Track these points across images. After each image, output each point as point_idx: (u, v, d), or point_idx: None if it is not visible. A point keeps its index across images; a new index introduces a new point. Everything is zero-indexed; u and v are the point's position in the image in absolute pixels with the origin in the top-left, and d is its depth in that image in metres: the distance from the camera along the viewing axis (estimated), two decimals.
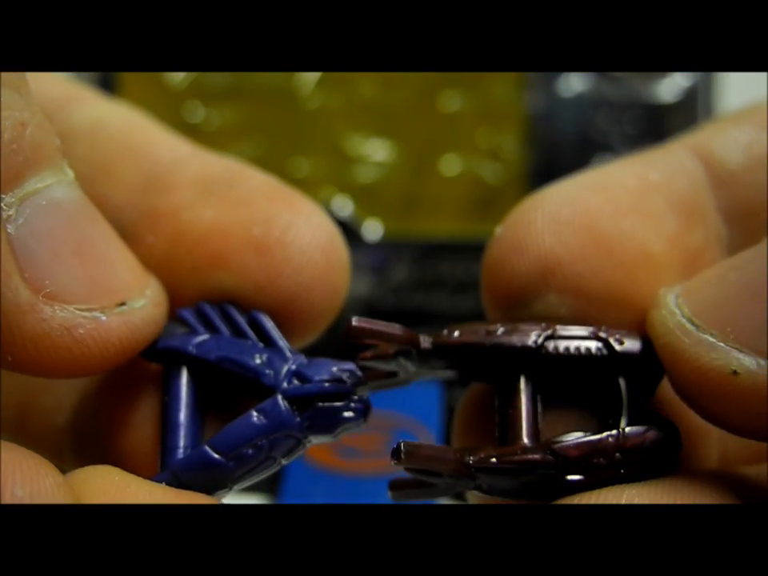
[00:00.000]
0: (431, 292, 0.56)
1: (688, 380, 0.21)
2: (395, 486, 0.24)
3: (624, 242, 0.24)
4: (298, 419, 0.22)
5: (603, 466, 0.22)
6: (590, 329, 0.23)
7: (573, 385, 0.24)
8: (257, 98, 0.65)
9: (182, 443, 0.23)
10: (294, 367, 0.23)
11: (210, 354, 0.24)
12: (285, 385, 0.23)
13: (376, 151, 0.64)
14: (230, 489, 0.23)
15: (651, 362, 0.23)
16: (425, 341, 0.23)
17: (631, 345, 0.23)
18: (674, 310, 0.22)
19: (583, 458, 0.22)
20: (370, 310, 0.55)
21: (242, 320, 0.24)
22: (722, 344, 0.21)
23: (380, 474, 0.43)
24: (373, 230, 0.59)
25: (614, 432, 0.22)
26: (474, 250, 0.56)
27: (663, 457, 0.22)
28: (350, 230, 0.58)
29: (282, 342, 0.24)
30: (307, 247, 0.24)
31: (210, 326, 0.24)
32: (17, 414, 0.27)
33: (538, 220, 0.24)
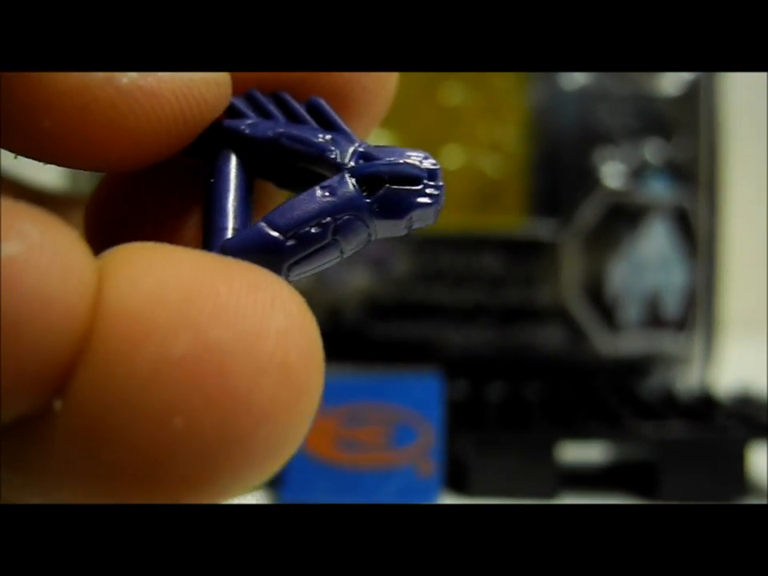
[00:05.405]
0: (432, 284, 0.56)
1: None
2: None
3: None
4: (366, 200, 0.20)
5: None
6: None
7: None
8: None
9: (230, 224, 0.20)
10: (361, 149, 0.21)
11: (266, 132, 0.21)
12: (352, 164, 0.20)
13: (377, 143, 0.64)
14: (286, 276, 0.20)
15: None
16: None
17: None
18: None
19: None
20: (371, 302, 0.55)
21: (299, 106, 0.22)
22: None
23: (381, 468, 0.43)
24: None
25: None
26: (475, 242, 0.57)
27: None
28: None
29: (347, 127, 0.21)
30: None
31: (264, 114, 0.22)
32: None
33: None
